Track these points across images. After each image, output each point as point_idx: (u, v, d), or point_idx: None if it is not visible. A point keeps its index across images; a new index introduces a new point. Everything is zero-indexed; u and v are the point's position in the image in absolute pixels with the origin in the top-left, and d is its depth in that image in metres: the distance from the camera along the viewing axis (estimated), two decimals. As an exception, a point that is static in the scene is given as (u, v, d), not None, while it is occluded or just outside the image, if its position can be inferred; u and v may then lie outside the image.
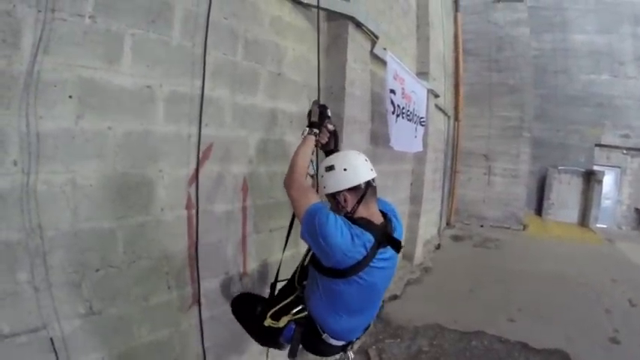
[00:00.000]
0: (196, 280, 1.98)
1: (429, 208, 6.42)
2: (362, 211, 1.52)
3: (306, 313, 1.63)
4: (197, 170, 1.92)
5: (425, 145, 5.26)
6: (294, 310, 1.65)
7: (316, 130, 1.76)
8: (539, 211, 9.88)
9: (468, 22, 8.66)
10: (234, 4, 2.03)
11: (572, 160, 9.60)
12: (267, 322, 1.68)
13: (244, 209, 2.28)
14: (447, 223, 8.81)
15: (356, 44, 2.88)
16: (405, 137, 4.19)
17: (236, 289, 2.25)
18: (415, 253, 5.71)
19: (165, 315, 1.85)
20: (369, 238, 1.42)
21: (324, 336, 1.61)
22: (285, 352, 1.69)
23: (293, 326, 1.66)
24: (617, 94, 9.43)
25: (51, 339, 1.40)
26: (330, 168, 1.56)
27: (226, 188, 2.13)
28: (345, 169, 1.52)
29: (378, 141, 3.99)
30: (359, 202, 1.52)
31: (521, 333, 3.63)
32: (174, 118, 1.79)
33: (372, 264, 1.43)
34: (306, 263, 1.73)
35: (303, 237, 1.46)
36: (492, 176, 9.14)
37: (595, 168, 9.51)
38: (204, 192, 1.96)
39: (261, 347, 2.25)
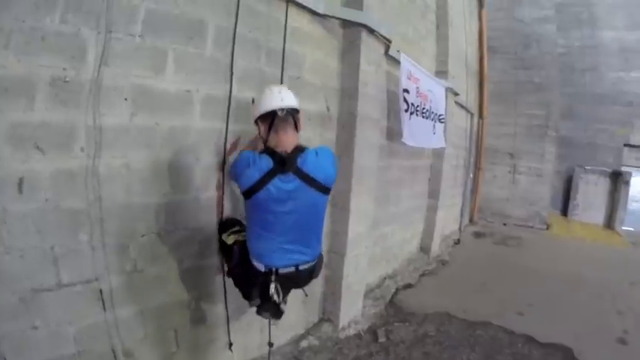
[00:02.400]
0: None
1: (448, 203, 6.50)
2: (272, 140, 1.72)
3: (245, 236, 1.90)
4: (224, 158, 2.24)
5: (446, 140, 5.39)
6: (240, 232, 1.98)
7: None
8: (564, 211, 9.56)
9: (493, 19, 8.52)
10: (258, 19, 2.34)
11: (599, 160, 9.20)
12: (224, 236, 2.04)
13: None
14: (470, 220, 8.81)
15: (369, 48, 3.11)
16: (420, 134, 4.36)
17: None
18: (432, 246, 5.86)
19: (195, 278, 2.19)
20: (267, 163, 1.63)
21: (251, 257, 1.81)
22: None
23: (237, 248, 1.95)
24: (647, 93, 8.90)
25: (100, 290, 1.75)
26: (252, 102, 1.86)
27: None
28: (256, 101, 1.79)
29: (396, 137, 4.17)
30: (269, 129, 1.71)
31: (528, 327, 3.69)
32: (209, 116, 2.14)
33: (269, 186, 1.62)
34: None
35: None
36: (517, 175, 9.01)
37: (623, 169, 9.08)
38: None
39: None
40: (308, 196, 1.70)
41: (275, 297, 1.78)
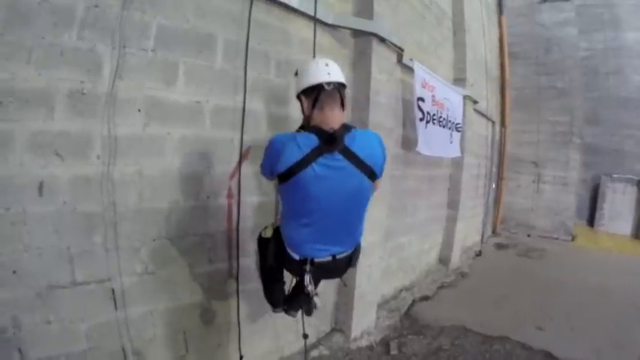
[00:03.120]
0: (234, 257, 2.36)
1: (468, 214, 6.37)
2: (316, 117, 1.58)
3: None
4: (239, 167, 2.31)
5: (462, 150, 5.31)
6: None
7: None
8: (591, 221, 9.10)
9: (513, 24, 8.36)
10: (267, 31, 2.41)
11: (627, 167, 8.68)
12: (263, 232, 1.90)
13: (277, 202, 2.63)
14: (493, 232, 8.57)
15: (380, 57, 3.12)
16: (436, 143, 4.32)
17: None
18: (451, 258, 5.73)
19: (205, 284, 2.24)
20: (312, 140, 1.48)
21: (286, 246, 1.69)
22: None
23: (272, 241, 1.81)
24: (675, 96, 8.31)
25: (112, 290, 1.83)
26: (295, 74, 1.72)
27: (261, 183, 2.50)
28: (300, 73, 1.66)
29: (411, 146, 4.11)
30: (314, 105, 1.58)
31: (548, 342, 3.56)
32: (218, 125, 2.21)
33: (314, 165, 1.48)
34: None
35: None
36: (542, 184, 8.70)
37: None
38: (243, 185, 2.34)
39: (286, 323, 2.58)
40: (354, 179, 1.57)
41: (309, 288, 1.67)
